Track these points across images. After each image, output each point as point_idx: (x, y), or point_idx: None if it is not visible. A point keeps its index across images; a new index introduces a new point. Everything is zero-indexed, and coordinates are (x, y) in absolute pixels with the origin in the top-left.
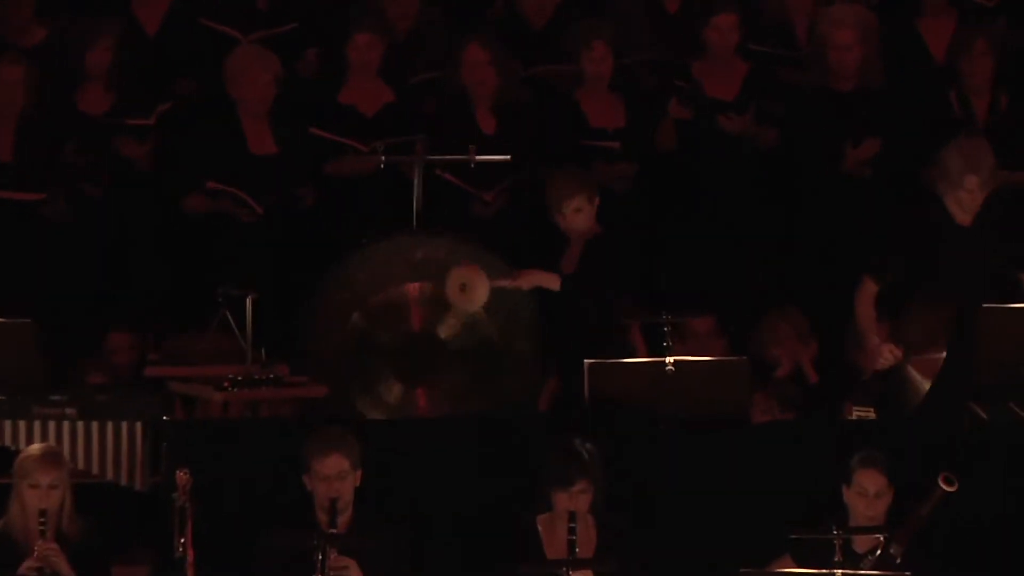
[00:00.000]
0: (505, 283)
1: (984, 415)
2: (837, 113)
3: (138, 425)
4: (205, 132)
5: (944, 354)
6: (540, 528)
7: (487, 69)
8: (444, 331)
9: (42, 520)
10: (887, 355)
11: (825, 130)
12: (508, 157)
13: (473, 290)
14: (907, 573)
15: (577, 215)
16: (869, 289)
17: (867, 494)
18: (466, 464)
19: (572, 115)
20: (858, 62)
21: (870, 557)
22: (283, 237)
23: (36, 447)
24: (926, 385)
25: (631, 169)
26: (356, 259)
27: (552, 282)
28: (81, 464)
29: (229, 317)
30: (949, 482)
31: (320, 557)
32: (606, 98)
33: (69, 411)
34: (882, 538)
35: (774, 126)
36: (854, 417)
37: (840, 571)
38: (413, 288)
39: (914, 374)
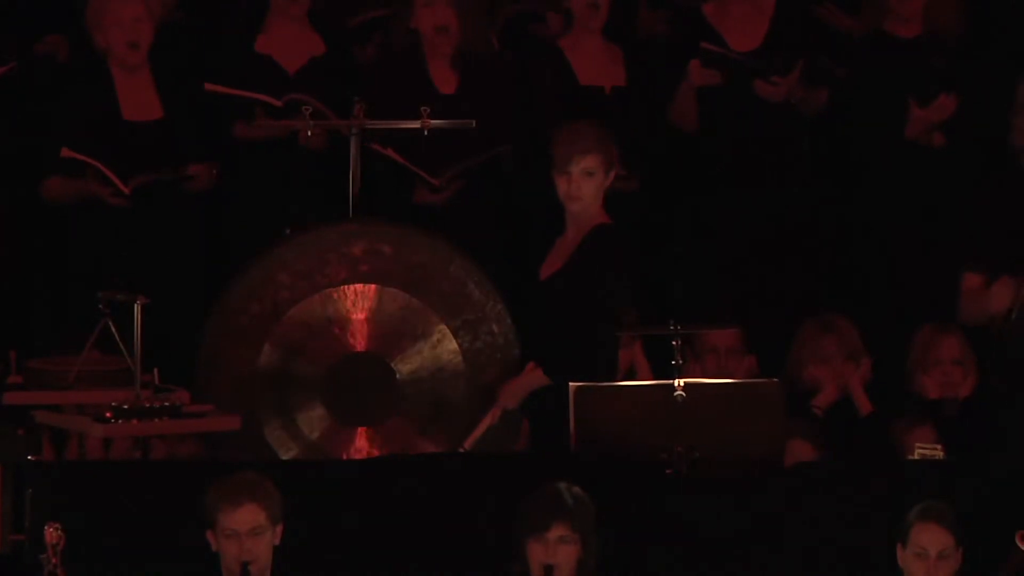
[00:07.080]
0: (483, 428)
1: None
2: (896, 64)
3: None
4: (66, 95)
5: None
6: None
7: (446, 11)
8: (403, 365)
9: None
10: (1003, 289)
11: (881, 87)
12: (472, 123)
13: None
14: None
15: (586, 180)
16: (976, 287)
17: (926, 555)
18: (417, 519)
19: (557, 69)
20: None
21: None
22: (173, 227)
23: None
24: None
25: (634, 183)
26: (273, 256)
27: (540, 381)
28: None
29: (112, 328)
30: None
31: None
32: (600, 47)
33: None
34: None
35: (823, 85)
36: (917, 457)
37: None
38: (347, 294)
39: None
